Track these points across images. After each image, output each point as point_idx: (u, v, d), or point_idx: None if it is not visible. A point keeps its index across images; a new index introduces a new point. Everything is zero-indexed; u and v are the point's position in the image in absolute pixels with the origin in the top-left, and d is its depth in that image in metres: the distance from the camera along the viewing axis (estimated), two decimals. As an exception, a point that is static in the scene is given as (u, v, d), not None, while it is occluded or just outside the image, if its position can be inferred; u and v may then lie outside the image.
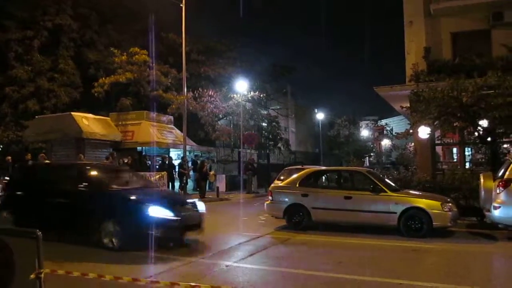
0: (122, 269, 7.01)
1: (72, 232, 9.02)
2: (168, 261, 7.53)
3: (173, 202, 9.21)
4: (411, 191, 11.52)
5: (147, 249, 7.85)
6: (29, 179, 10.44)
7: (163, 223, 8.29)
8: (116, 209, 8.59)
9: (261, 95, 30.73)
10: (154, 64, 25.31)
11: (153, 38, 23.69)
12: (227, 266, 7.40)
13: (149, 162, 22.21)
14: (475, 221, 11.90)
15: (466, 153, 17.01)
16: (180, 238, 8.89)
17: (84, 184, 9.22)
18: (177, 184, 22.09)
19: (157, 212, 8.36)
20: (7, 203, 10.36)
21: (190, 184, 23.39)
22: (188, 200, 9.94)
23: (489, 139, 13.27)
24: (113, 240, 8.35)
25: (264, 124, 32.54)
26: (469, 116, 12.90)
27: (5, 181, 12.69)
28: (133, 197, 9.01)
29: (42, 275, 4.05)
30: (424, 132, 14.60)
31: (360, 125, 53.83)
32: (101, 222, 8.49)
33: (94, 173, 9.87)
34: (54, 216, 9.03)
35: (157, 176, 18.56)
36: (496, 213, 9.60)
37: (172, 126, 26.10)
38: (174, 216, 8.48)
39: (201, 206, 9.54)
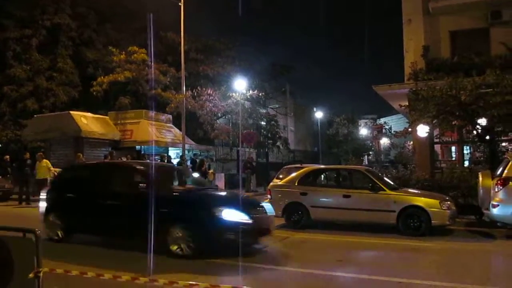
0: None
1: (132, 238, 8.40)
2: (168, 260, 7.50)
3: (245, 204, 8.49)
4: (409, 190, 11.53)
5: (220, 256, 7.42)
6: (79, 180, 9.59)
7: (238, 227, 7.59)
8: (186, 212, 7.90)
9: (260, 94, 30.68)
10: (152, 63, 25.29)
11: (151, 37, 23.61)
12: (223, 265, 7.38)
13: (148, 161, 22.17)
14: (473, 219, 11.92)
15: (465, 152, 17.02)
16: (253, 243, 8.23)
17: (145, 185, 8.37)
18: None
19: (232, 215, 7.70)
20: (53, 205, 9.40)
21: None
22: (258, 202, 9.17)
23: (487, 137, 13.28)
24: (183, 246, 7.60)
25: (263, 123, 32.53)
26: (467, 115, 12.90)
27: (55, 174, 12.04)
28: (204, 199, 8.49)
29: (41, 274, 4.05)
30: (422, 130, 14.62)
31: (359, 123, 53.84)
32: (169, 227, 7.72)
33: (155, 173, 9.10)
34: (110, 221, 8.43)
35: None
36: (495, 211, 9.61)
37: (171, 125, 26.09)
38: (248, 219, 7.80)
39: (269, 208, 9.05)
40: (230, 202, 8.38)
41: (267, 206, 8.93)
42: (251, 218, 7.83)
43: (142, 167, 9.50)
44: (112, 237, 8.82)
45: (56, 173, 16.57)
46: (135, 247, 7.91)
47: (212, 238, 7.64)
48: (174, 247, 7.64)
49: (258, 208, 8.50)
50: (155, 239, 7.35)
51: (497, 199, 9.57)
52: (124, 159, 19.34)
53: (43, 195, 9.85)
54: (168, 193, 8.37)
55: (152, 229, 7.49)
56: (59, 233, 8.92)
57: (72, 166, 12.25)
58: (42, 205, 9.57)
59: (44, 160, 16.88)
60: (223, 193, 10.35)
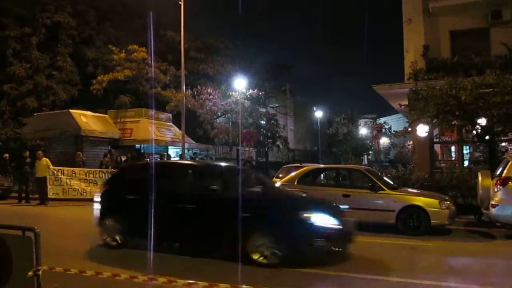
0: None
1: (204, 244, 7.74)
2: (166, 258, 7.50)
3: (330, 207, 7.93)
4: (409, 189, 11.53)
5: (308, 265, 6.84)
6: (143, 180, 8.54)
7: (328, 233, 7.05)
8: (271, 216, 7.22)
9: (260, 93, 30.72)
10: (153, 62, 25.29)
11: (151, 36, 23.61)
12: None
13: (148, 159, 22.19)
14: (473, 219, 11.93)
15: (464, 152, 17.03)
16: (341, 250, 7.41)
17: (221, 186, 7.73)
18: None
19: (321, 219, 7.09)
20: (111, 208, 8.66)
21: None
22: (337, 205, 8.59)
23: (487, 137, 13.27)
24: (267, 254, 6.87)
25: (262, 122, 32.57)
26: (467, 115, 12.90)
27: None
28: (290, 202, 7.86)
29: (40, 273, 4.05)
30: (422, 130, 14.63)
31: (359, 123, 53.83)
32: (250, 233, 6.97)
33: (230, 174, 8.54)
34: (179, 226, 7.80)
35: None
36: (494, 211, 9.61)
37: (171, 123, 26.07)
38: (338, 224, 7.20)
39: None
40: (316, 205, 7.80)
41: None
42: (340, 222, 7.24)
43: (217, 168, 9.01)
44: (181, 243, 8.20)
45: (55, 171, 16.61)
46: (206, 254, 7.46)
47: (301, 245, 6.98)
48: (256, 255, 6.91)
49: (341, 212, 7.90)
50: (234, 246, 6.91)
51: (496, 199, 9.58)
52: (124, 158, 19.36)
53: (97, 196, 9.06)
54: (247, 196, 7.48)
55: (231, 235, 7.03)
56: (117, 238, 8.23)
57: (133, 165, 11.42)
58: (97, 207, 8.84)
59: (44, 158, 16.86)
60: (305, 196, 9.37)
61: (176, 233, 7.89)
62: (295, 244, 6.94)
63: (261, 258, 6.87)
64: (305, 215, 7.07)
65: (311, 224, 6.98)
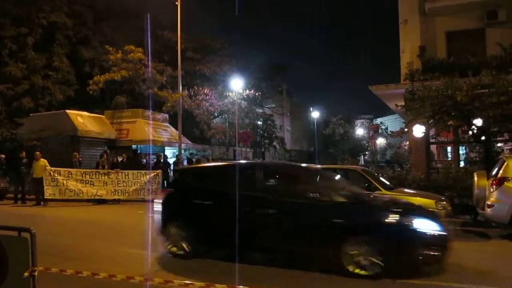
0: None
1: (290, 253, 7.04)
2: (163, 259, 7.49)
3: (429, 212, 7.33)
4: (405, 190, 11.52)
5: (409, 275, 6.26)
6: (213, 183, 7.97)
7: (434, 240, 6.45)
8: (369, 222, 6.54)
9: (257, 94, 30.73)
10: (149, 62, 25.27)
11: (148, 36, 23.61)
12: (223, 263, 7.34)
13: (144, 160, 22.15)
14: (469, 219, 11.97)
15: (460, 152, 17.10)
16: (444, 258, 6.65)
17: (308, 189, 7.00)
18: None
19: (425, 225, 6.51)
20: (177, 213, 7.95)
21: (185, 182, 23.27)
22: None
23: (483, 138, 13.31)
24: (365, 264, 6.22)
25: (259, 122, 32.59)
26: (463, 115, 12.94)
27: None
28: (389, 206, 7.07)
29: (36, 273, 4.05)
30: (418, 130, 14.66)
31: (355, 123, 53.88)
32: (344, 241, 6.36)
33: (320, 176, 7.76)
34: (262, 233, 7.03)
35: (152, 174, 18.53)
36: (490, 211, 9.64)
37: (167, 124, 26.05)
38: (442, 230, 6.57)
39: None
40: (416, 210, 7.22)
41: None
42: (443, 228, 6.60)
43: (302, 169, 8.26)
44: (263, 252, 7.46)
45: (51, 172, 16.55)
46: (292, 264, 6.84)
47: (404, 253, 6.30)
48: (351, 266, 6.28)
49: (440, 217, 7.24)
50: (325, 255, 6.44)
51: (492, 199, 9.61)
52: (120, 159, 19.32)
53: (159, 201, 8.28)
54: (340, 199, 6.85)
55: (322, 243, 6.49)
56: (185, 246, 7.50)
57: (203, 166, 10.24)
58: (158, 210, 8.11)
59: (42, 159, 16.82)
60: (402, 199, 8.55)
61: (255, 241, 7.11)
62: (399, 252, 6.26)
63: (359, 268, 6.25)
64: (406, 220, 6.46)
65: (415, 230, 6.38)
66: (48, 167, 16.60)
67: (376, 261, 6.17)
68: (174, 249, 7.59)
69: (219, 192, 7.56)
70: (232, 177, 7.43)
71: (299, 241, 6.72)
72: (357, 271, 6.23)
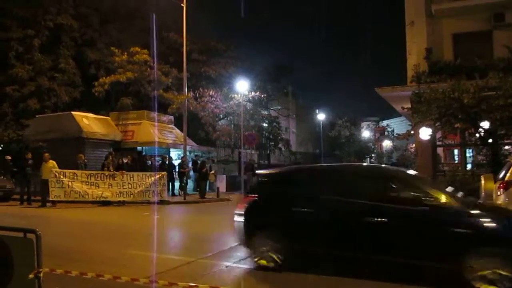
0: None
1: (404, 268, 6.22)
2: (168, 261, 7.46)
3: None
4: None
5: None
6: (309, 188, 7.23)
7: None
8: (497, 232, 5.90)
9: (262, 95, 30.69)
10: (155, 64, 25.30)
11: (154, 38, 23.64)
12: (226, 266, 7.33)
13: (149, 162, 22.16)
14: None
15: (467, 155, 16.98)
16: None
17: (424, 195, 6.30)
18: (177, 184, 22.03)
19: None
20: (266, 222, 7.13)
21: (190, 185, 23.32)
22: None
23: (490, 140, 13.25)
24: (494, 279, 5.53)
25: (264, 124, 32.53)
26: (470, 118, 12.86)
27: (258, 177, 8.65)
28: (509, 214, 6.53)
29: (41, 275, 4.04)
30: (425, 133, 14.59)
31: (361, 126, 53.80)
32: (467, 253, 5.71)
33: (427, 183, 7.17)
34: (370, 244, 6.35)
35: (157, 176, 18.53)
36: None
37: (173, 126, 26.05)
38: None
39: None
40: None
41: None
42: None
43: (409, 174, 7.57)
44: (371, 265, 6.54)
45: (57, 174, 16.57)
46: (404, 280, 6.15)
47: None
48: (478, 281, 5.57)
49: None
50: (442, 269, 5.85)
51: (499, 202, 9.52)
52: (125, 160, 19.32)
53: (241, 210, 7.37)
54: (459, 207, 6.21)
55: (442, 256, 5.85)
56: (276, 258, 6.77)
57: (294, 169, 9.27)
58: (240, 219, 7.31)
59: (51, 161, 16.85)
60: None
61: (364, 253, 6.39)
62: None
63: (486, 284, 5.54)
64: None
65: None
66: (54, 169, 16.63)
67: (508, 275, 5.48)
68: (263, 262, 6.86)
69: (321, 198, 6.85)
70: (335, 182, 7.04)
71: (414, 253, 6.04)
72: (484, 287, 5.55)
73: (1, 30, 27.20)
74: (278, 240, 6.81)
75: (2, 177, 19.11)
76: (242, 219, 7.27)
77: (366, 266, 6.43)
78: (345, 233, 6.47)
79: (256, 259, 6.99)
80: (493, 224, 6.02)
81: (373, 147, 52.61)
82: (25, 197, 17.31)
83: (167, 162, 21.76)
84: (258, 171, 9.81)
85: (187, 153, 23.00)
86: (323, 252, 6.63)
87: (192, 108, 24.81)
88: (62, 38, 28.78)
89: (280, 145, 34.15)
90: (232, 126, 31.10)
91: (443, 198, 6.32)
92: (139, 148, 23.76)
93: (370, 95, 58.54)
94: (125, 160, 19.29)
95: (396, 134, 38.48)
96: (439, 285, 5.93)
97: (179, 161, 22.95)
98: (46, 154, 17.28)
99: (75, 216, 14.66)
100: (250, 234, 7.12)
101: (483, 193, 10.58)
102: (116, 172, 17.67)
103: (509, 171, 9.59)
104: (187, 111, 23.02)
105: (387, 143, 51.81)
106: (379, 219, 6.27)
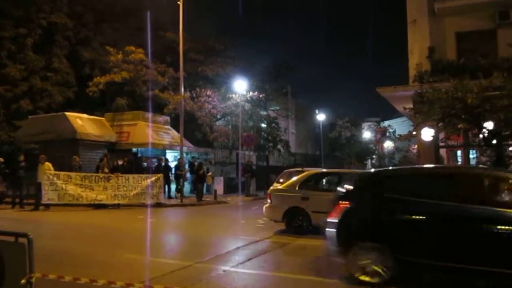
0: None
1: None
2: (164, 266, 7.21)
3: None
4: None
5: None
6: (421, 192, 6.43)
7: None
8: None
9: (261, 95, 30.47)
10: (150, 63, 25.06)
11: (149, 37, 23.43)
12: (224, 271, 7.20)
13: (145, 164, 21.94)
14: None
15: (471, 156, 16.88)
16: None
17: None
18: (173, 186, 21.82)
19: None
20: (369, 231, 6.45)
21: (187, 187, 23.14)
22: None
23: (494, 141, 13.08)
24: None
25: (263, 125, 32.24)
26: (473, 118, 12.68)
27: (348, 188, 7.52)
28: None
29: (33, 280, 3.94)
30: (427, 134, 14.42)
31: (362, 126, 53.69)
32: None
33: None
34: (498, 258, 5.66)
35: (154, 178, 18.29)
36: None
37: (169, 126, 25.85)
38: None
39: None
40: None
41: None
42: None
43: None
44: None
45: (50, 176, 16.24)
46: None
47: None
48: None
49: None
50: None
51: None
52: (120, 162, 19.08)
53: (334, 219, 6.72)
54: None
55: None
56: (380, 271, 6.14)
57: (409, 172, 7.82)
58: (333, 230, 6.68)
59: (47, 163, 16.60)
60: None
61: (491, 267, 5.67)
62: None
63: None
64: None
65: None
66: (47, 172, 16.34)
67: None
68: (365, 277, 6.21)
69: (441, 205, 6.08)
70: (455, 186, 6.38)
71: None
72: None
73: (-7, 28, 26.87)
74: (385, 253, 6.12)
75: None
76: (335, 228, 6.62)
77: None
78: (473, 245, 5.78)
79: (356, 274, 6.29)
80: None
81: (374, 148, 52.47)
82: (17, 200, 17.00)
83: (163, 164, 21.56)
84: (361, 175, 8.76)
85: (184, 155, 22.77)
86: (446, 266, 5.89)
87: (189, 109, 24.60)
88: (55, 37, 28.45)
89: (279, 146, 33.81)
90: (230, 127, 30.86)
91: None
92: (134, 149, 23.55)
93: (371, 95, 58.58)
94: (120, 162, 19.09)
95: (398, 135, 38.41)
96: None
97: (175, 162, 22.72)
98: (42, 156, 17.05)
99: (69, 219, 14.50)
100: (347, 246, 6.46)
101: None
102: (111, 174, 17.48)
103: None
104: (184, 111, 22.78)
105: (388, 144, 51.71)
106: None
